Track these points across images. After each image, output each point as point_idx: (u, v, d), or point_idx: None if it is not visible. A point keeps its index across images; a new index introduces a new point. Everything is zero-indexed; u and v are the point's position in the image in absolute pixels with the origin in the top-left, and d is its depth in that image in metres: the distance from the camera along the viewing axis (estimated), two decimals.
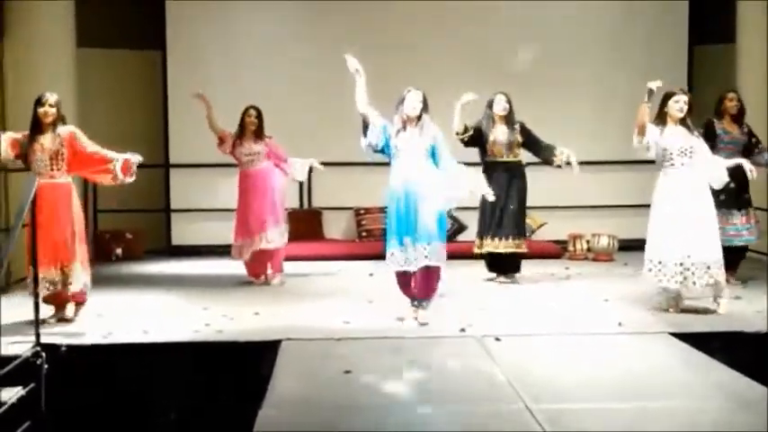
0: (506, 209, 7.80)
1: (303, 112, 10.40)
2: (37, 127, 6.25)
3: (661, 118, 6.49)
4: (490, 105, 7.85)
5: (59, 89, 9.26)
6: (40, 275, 5.97)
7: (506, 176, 7.83)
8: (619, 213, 10.41)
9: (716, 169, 6.43)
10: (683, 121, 6.46)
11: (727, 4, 9.90)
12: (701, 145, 6.47)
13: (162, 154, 10.53)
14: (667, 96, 6.50)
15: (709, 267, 6.30)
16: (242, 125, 8.00)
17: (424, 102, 6.17)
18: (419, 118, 6.15)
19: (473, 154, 7.91)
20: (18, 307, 6.12)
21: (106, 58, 10.40)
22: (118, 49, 10.43)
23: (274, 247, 8.00)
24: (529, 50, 9.86)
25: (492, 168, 7.81)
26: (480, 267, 8.21)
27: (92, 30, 10.02)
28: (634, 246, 9.80)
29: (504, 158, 7.83)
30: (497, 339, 5.68)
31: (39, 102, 6.26)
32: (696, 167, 6.39)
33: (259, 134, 7.99)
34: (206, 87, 10.28)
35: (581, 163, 10.08)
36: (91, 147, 6.41)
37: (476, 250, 8.01)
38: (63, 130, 6.32)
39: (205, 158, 10.02)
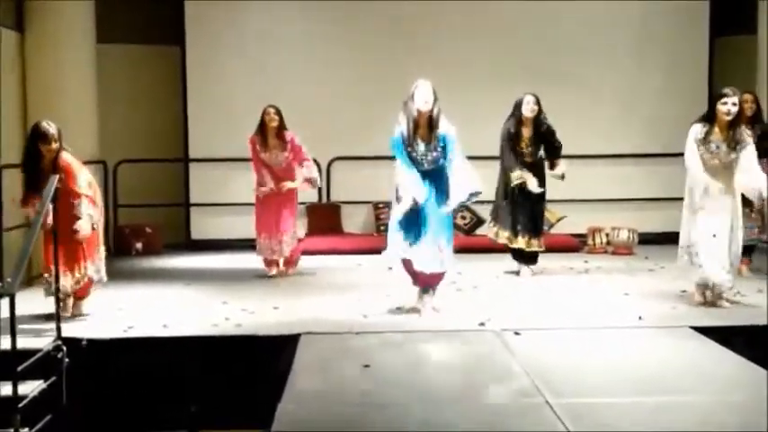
0: (526, 207, 7.81)
1: (321, 106, 10.40)
2: (38, 161, 6.07)
3: (709, 120, 6.28)
4: (518, 106, 7.81)
5: (79, 85, 9.43)
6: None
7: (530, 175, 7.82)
8: (639, 207, 10.37)
9: (755, 182, 6.18)
10: (732, 126, 6.20)
11: None
12: (745, 158, 6.19)
13: (181, 148, 10.57)
14: (717, 97, 6.28)
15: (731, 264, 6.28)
16: (262, 125, 8.00)
17: (435, 95, 6.06)
18: (430, 120, 6.05)
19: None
20: (35, 302, 6.17)
21: (125, 53, 10.45)
22: (137, 44, 10.47)
23: (291, 251, 8.10)
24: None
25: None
26: (499, 261, 8.19)
27: (111, 26, 10.07)
28: (654, 239, 9.80)
29: (527, 159, 7.81)
30: (517, 333, 5.66)
31: (42, 138, 6.01)
32: (735, 178, 6.23)
33: (280, 133, 7.98)
34: (224, 83, 10.41)
35: (602, 156, 10.13)
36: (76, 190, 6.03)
37: (490, 236, 8.02)
38: (61, 161, 6.06)
39: (224, 153, 10.06)
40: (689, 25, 10.55)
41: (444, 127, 6.08)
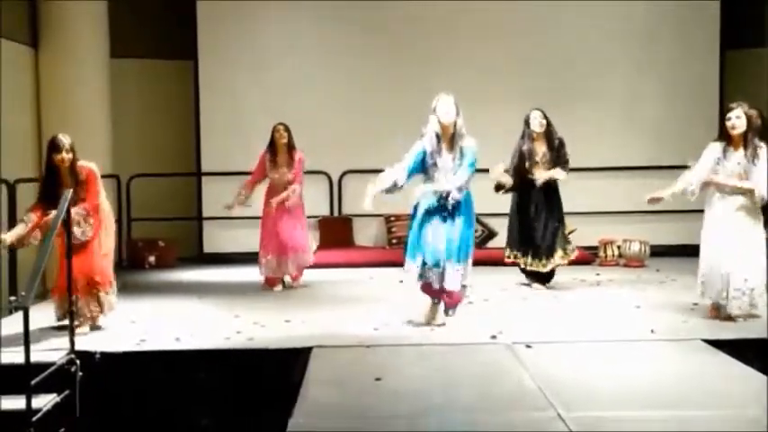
0: (541, 226, 7.77)
1: (333, 120, 10.46)
2: (54, 174, 6.11)
3: (724, 135, 6.27)
4: (527, 123, 7.80)
5: (93, 99, 9.51)
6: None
7: (542, 194, 7.80)
8: (650, 219, 10.33)
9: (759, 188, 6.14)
10: (744, 139, 6.17)
11: (759, 8, 9.82)
12: (759, 171, 6.15)
13: (194, 163, 10.63)
14: (726, 111, 6.31)
15: (752, 290, 6.21)
16: (272, 142, 8.08)
17: (457, 107, 6.13)
18: (453, 133, 6.10)
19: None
20: (49, 316, 6.22)
21: (139, 68, 10.53)
22: (150, 59, 10.55)
23: (299, 274, 8.21)
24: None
25: (529, 185, 7.78)
26: (510, 274, 8.20)
27: (125, 41, 10.16)
28: (666, 252, 9.78)
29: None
30: (528, 346, 5.66)
31: (55, 148, 6.07)
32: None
33: (291, 150, 8.06)
34: (237, 97, 10.48)
35: (613, 169, 10.11)
36: (93, 198, 6.18)
37: (506, 259, 8.03)
38: (82, 169, 6.18)
39: (236, 167, 10.08)
40: (699, 39, 10.55)
41: (466, 140, 6.14)
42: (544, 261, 7.83)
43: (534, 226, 7.79)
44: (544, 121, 7.78)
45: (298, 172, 8.08)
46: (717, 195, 6.29)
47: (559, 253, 7.84)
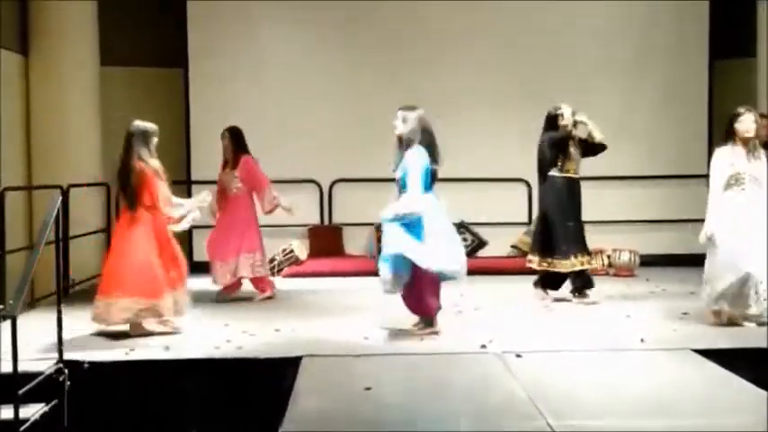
0: (573, 225, 7.66)
1: (324, 128, 10.46)
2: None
3: (730, 138, 6.35)
4: (560, 116, 7.64)
5: (83, 107, 9.48)
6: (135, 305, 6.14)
7: (576, 193, 7.73)
8: (640, 228, 10.39)
9: None
10: (753, 143, 6.30)
11: (748, 18, 9.87)
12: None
13: (184, 170, 10.60)
14: (733, 117, 6.38)
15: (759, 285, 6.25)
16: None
17: (406, 119, 6.23)
18: (400, 141, 6.24)
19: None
20: (37, 324, 6.18)
21: (129, 76, 10.50)
22: (140, 67, 10.53)
23: (247, 277, 8.05)
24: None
25: (566, 184, 7.67)
26: (500, 283, 8.20)
27: (115, 48, 10.13)
28: (655, 261, 9.80)
29: (576, 175, 7.73)
30: (518, 356, 5.66)
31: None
32: (761, 194, 6.28)
33: (235, 156, 7.94)
34: (227, 105, 10.47)
35: (602, 178, 10.15)
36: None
37: (535, 267, 7.73)
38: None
39: None
40: (688, 48, 10.61)
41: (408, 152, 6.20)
42: (574, 260, 7.61)
43: (559, 224, 7.61)
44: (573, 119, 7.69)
45: (246, 177, 7.90)
46: (729, 195, 6.32)
47: (579, 258, 7.65)
